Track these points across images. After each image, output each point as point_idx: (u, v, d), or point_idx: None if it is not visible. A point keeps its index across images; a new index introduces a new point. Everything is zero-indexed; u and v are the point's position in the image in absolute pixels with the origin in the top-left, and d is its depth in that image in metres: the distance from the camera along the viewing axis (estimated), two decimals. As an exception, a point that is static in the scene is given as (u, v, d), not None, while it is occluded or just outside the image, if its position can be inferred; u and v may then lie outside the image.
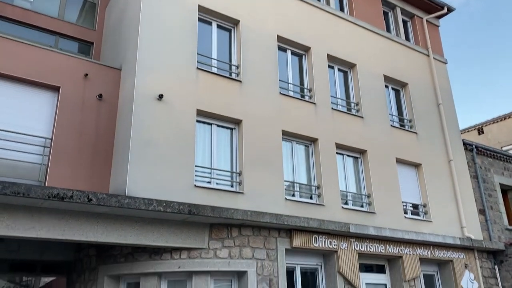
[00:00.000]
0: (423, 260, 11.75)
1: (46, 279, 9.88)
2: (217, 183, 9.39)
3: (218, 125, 9.84)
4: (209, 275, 8.51)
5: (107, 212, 7.67)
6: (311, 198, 10.60)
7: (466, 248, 12.61)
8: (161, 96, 8.87)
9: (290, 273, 9.55)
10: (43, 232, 7.15)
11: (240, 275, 8.82)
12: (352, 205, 11.25)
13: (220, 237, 8.75)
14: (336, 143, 11.27)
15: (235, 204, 8.99)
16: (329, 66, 12.23)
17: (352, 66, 12.73)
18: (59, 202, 6.96)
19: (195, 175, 8.97)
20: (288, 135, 10.66)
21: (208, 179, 9.32)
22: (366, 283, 10.69)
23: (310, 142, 11.07)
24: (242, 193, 9.30)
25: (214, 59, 10.30)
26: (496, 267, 13.23)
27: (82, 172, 8.57)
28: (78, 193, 7.06)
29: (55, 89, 8.87)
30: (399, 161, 12.52)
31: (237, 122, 9.97)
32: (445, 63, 15.55)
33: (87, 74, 9.17)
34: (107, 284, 8.59)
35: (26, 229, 7.02)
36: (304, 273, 9.96)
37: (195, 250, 8.50)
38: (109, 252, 8.78)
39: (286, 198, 9.86)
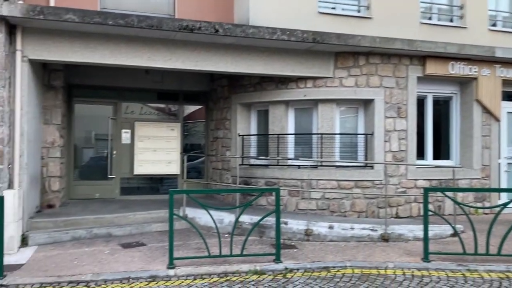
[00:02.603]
0: None
1: (188, 111, 11.28)
2: (342, 9, 8.76)
3: None
4: (335, 103, 8.61)
5: (233, 43, 7.84)
6: (451, 20, 9.37)
7: None
8: None
9: (420, 102, 9.14)
10: (178, 63, 7.71)
11: (367, 103, 8.73)
12: (502, 26, 9.73)
13: (346, 65, 8.51)
14: (489, -49, 9.31)
15: (363, 30, 8.41)
16: None
17: None
18: (189, 33, 7.26)
19: (319, 1, 8.43)
20: None
21: (332, 5, 8.70)
22: (507, 112, 9.83)
23: (455, -49, 9.30)
24: (370, 18, 8.58)
25: None
26: None
27: (207, 4, 8.70)
28: (206, 24, 7.24)
29: None
30: None
31: None
32: None
33: None
34: (240, 111, 9.33)
35: (165, 61, 7.63)
36: (436, 102, 9.46)
37: (320, 79, 8.50)
38: (239, 82, 9.28)
39: (421, 22, 8.87)
